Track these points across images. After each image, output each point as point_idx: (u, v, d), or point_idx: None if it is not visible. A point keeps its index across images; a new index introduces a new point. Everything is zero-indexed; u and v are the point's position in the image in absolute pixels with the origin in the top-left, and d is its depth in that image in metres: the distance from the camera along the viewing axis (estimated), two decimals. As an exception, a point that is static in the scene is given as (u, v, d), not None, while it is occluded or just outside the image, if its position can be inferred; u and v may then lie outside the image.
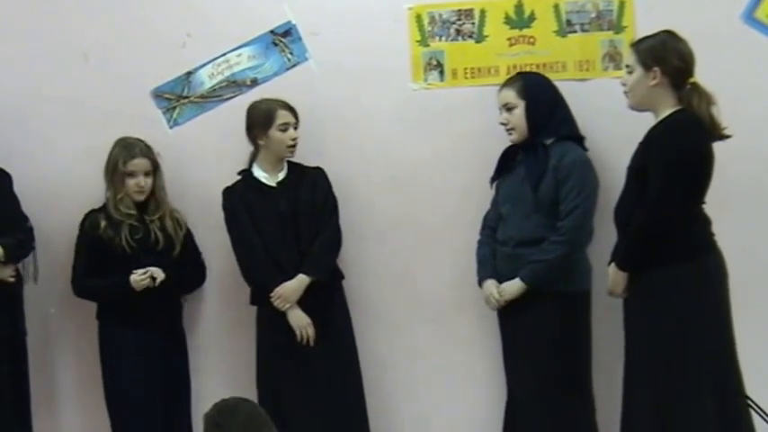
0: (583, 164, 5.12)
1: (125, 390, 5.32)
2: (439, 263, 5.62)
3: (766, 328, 5.34)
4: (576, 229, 5.04)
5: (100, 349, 5.41)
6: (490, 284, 5.21)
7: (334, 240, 5.41)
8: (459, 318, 5.59)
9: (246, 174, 5.44)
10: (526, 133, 5.19)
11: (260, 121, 5.36)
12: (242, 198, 5.38)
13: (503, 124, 5.23)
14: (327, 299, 5.37)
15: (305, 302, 5.30)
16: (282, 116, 5.35)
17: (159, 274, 5.30)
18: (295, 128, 5.38)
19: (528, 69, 5.42)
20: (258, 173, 5.43)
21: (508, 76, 5.33)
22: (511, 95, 5.19)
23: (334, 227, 5.41)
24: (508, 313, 5.18)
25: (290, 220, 5.34)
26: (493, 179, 5.34)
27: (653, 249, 4.61)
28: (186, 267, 5.47)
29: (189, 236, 5.50)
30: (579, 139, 5.21)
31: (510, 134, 5.23)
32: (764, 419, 4.85)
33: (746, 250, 5.15)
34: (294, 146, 5.39)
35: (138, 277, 5.26)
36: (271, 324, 5.34)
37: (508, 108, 5.20)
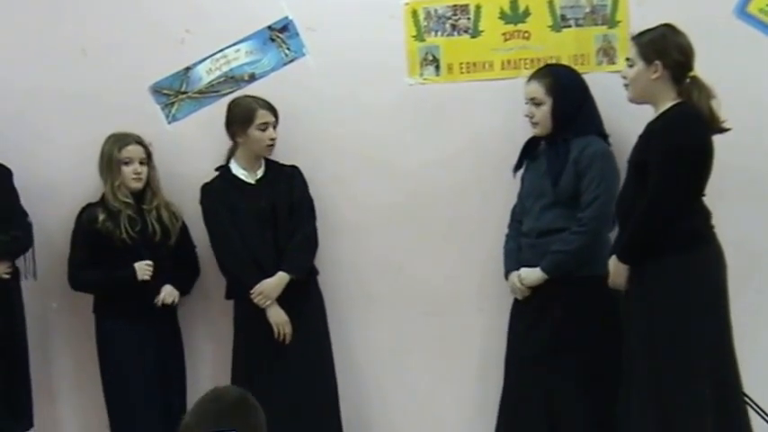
0: (603, 155, 5.14)
1: (123, 382, 5.35)
2: (435, 257, 5.65)
3: (759, 320, 5.37)
4: (596, 220, 5.07)
5: (97, 343, 5.44)
6: (513, 276, 5.25)
7: (311, 239, 5.46)
8: (455, 310, 5.63)
9: (224, 170, 5.48)
10: (550, 129, 5.22)
11: (240, 118, 5.40)
12: (221, 195, 5.41)
13: (527, 116, 5.25)
14: (303, 295, 5.41)
15: (281, 299, 5.35)
16: (262, 116, 5.38)
17: (173, 297, 5.39)
18: (274, 127, 5.41)
19: (523, 64, 5.48)
20: (237, 170, 5.46)
21: (536, 69, 5.34)
22: (539, 91, 5.20)
23: (311, 225, 5.46)
24: (530, 300, 5.21)
25: (269, 217, 5.39)
26: (515, 168, 5.36)
27: (653, 241, 4.63)
28: (183, 261, 5.50)
29: (184, 229, 5.53)
30: (603, 137, 5.23)
31: (533, 127, 5.25)
32: (760, 416, 4.89)
33: (740, 242, 5.17)
34: (272, 145, 5.42)
35: (145, 267, 5.31)
36: (247, 319, 5.38)
37: (535, 103, 5.21)
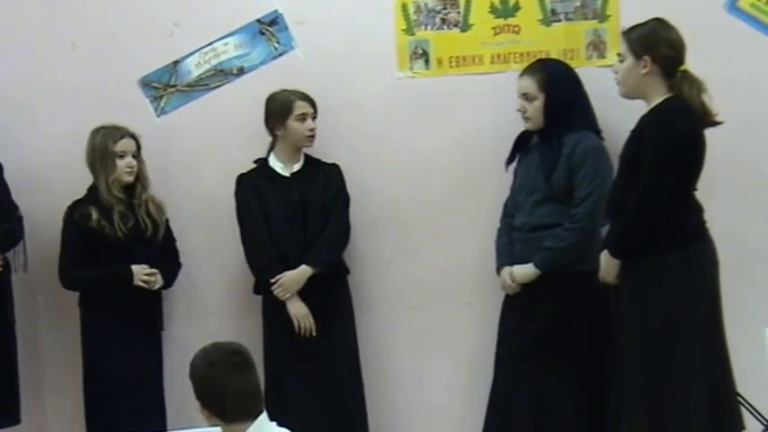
0: (596, 151, 5.14)
1: (106, 376, 5.31)
2: (425, 251, 5.64)
3: (750, 316, 5.37)
4: (590, 216, 5.06)
5: (82, 335, 5.41)
6: (505, 272, 5.25)
7: (340, 234, 5.44)
8: (445, 305, 5.63)
9: (262, 162, 5.47)
10: (542, 124, 5.21)
11: (277, 111, 5.39)
12: (253, 186, 5.41)
13: (519, 111, 5.24)
14: (331, 293, 5.40)
15: (309, 296, 5.33)
16: (300, 107, 5.37)
17: (159, 282, 5.37)
18: (313, 118, 5.41)
19: (512, 58, 5.49)
20: (274, 163, 5.45)
21: (526, 64, 5.34)
22: (532, 86, 5.19)
23: (342, 222, 5.43)
24: (522, 296, 5.21)
25: (299, 210, 5.38)
26: (508, 161, 5.36)
27: (645, 236, 4.62)
28: (167, 255, 5.49)
29: (167, 222, 5.51)
30: (596, 132, 5.23)
31: (526, 122, 5.25)
32: (753, 415, 4.88)
33: (732, 237, 5.16)
34: (312, 136, 5.41)
35: (143, 273, 5.31)
36: (276, 313, 5.36)
37: (527, 98, 5.20)
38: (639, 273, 4.67)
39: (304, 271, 5.33)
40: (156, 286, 5.36)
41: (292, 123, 5.38)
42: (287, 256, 5.35)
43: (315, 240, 5.36)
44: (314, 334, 5.33)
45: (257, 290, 5.45)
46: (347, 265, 5.50)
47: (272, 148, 5.48)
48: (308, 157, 5.48)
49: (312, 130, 5.40)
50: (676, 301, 4.61)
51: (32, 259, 5.54)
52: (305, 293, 5.33)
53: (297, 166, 5.45)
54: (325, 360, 5.34)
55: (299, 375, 5.31)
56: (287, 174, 5.44)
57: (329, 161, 5.53)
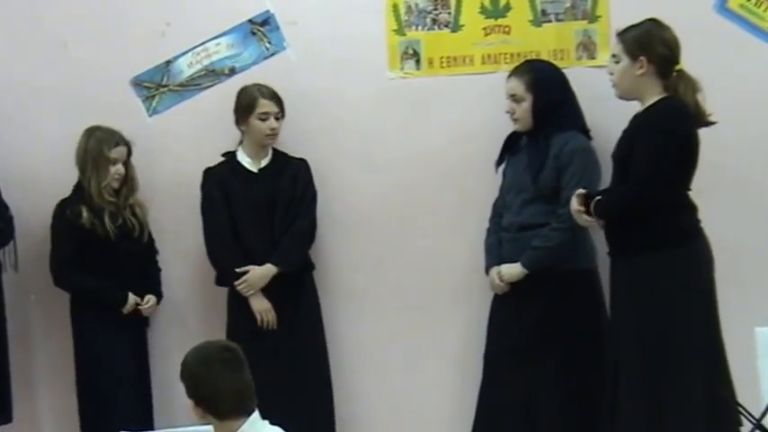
0: (584, 151, 5.16)
1: (98, 374, 5.33)
2: (416, 250, 5.65)
3: (738, 315, 5.37)
4: None
5: (73, 333, 5.42)
6: (493, 271, 5.27)
7: (307, 232, 5.44)
8: (435, 305, 5.63)
9: (230, 156, 5.48)
10: (531, 125, 5.22)
11: (242, 106, 5.40)
12: (220, 180, 5.41)
13: (508, 113, 5.25)
14: (297, 288, 5.41)
15: (274, 291, 5.35)
16: (263, 105, 5.37)
17: (151, 309, 5.44)
18: (277, 118, 5.40)
19: (503, 58, 5.51)
20: (242, 157, 5.46)
21: (516, 64, 5.35)
22: (519, 88, 5.20)
23: (309, 218, 5.44)
24: (511, 296, 5.23)
25: (267, 207, 5.38)
26: (497, 163, 5.38)
27: (620, 212, 4.64)
28: (151, 259, 5.54)
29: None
30: (585, 131, 5.25)
31: (514, 123, 5.27)
32: (743, 415, 4.87)
33: (722, 237, 5.17)
34: (273, 135, 5.41)
35: (135, 303, 5.37)
36: (241, 306, 5.38)
37: (515, 99, 5.22)
38: (636, 272, 4.68)
39: (269, 269, 5.34)
40: (146, 314, 5.43)
41: (254, 121, 5.38)
42: (253, 252, 5.36)
43: (281, 237, 5.38)
44: (274, 328, 5.34)
45: (219, 281, 5.46)
46: (312, 261, 5.51)
47: (240, 142, 5.48)
48: (276, 152, 5.49)
49: (273, 129, 5.39)
50: (674, 299, 4.61)
51: (24, 259, 5.55)
52: (268, 289, 5.35)
53: (265, 162, 5.46)
54: (288, 355, 5.34)
55: (264, 370, 5.25)
56: (254, 169, 5.45)
57: (318, 160, 5.53)
